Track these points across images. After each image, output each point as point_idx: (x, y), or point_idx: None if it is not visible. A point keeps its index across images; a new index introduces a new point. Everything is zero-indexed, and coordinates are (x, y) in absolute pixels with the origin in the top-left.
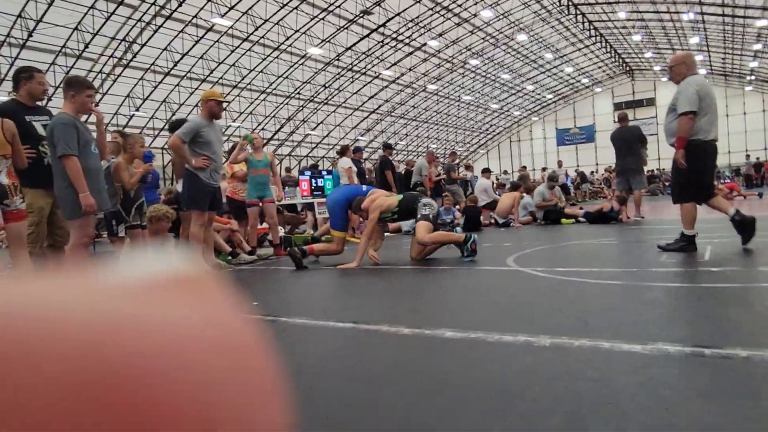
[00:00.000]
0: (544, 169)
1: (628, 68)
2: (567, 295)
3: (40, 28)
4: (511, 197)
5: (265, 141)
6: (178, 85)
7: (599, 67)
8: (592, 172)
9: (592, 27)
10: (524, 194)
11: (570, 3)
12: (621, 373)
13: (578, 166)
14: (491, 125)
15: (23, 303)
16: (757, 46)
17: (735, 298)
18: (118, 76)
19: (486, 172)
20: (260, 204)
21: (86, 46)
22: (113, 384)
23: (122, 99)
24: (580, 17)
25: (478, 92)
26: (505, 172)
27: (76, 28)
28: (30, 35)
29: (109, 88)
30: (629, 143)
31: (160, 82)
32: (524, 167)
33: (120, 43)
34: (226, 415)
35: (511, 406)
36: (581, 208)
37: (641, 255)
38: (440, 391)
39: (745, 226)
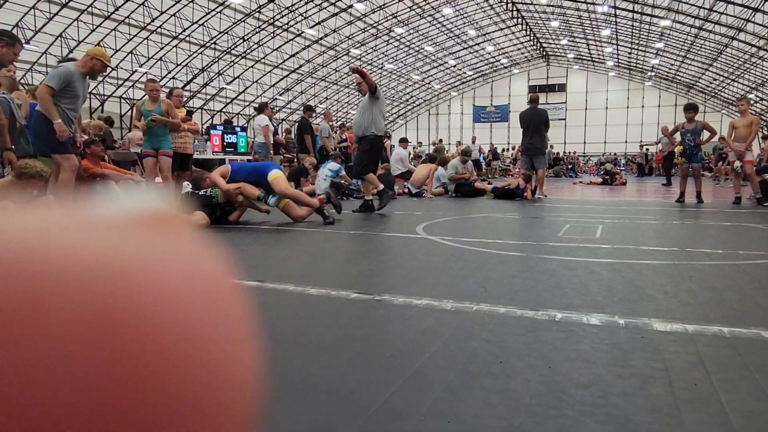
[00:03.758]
0: (458, 144)
1: (544, 53)
2: (471, 263)
3: None
4: (426, 168)
5: (179, 89)
6: (77, 19)
7: (518, 49)
8: (504, 149)
9: (515, 9)
10: (438, 166)
11: None
12: (513, 335)
13: (492, 143)
14: (411, 96)
15: (14, 242)
16: (659, 45)
17: (622, 271)
18: (5, 1)
19: (403, 141)
20: (156, 155)
21: None
22: (108, 321)
23: (10, 29)
24: None
25: (401, 62)
26: (420, 144)
27: None
28: None
29: None
30: (536, 124)
31: (55, 14)
32: (440, 140)
33: None
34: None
35: (409, 363)
36: (490, 183)
37: (539, 230)
38: (342, 347)
39: None
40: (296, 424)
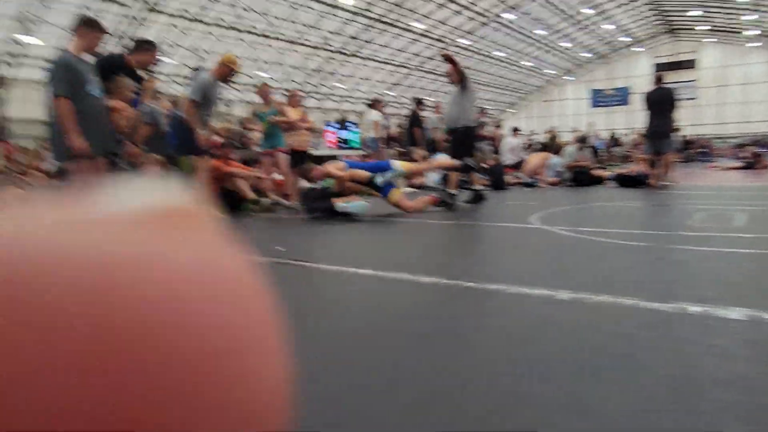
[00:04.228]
0: (574, 130)
1: (670, 27)
2: (590, 254)
3: None
4: (539, 157)
5: (297, 92)
6: (207, 32)
7: (640, 26)
8: (625, 134)
9: None
10: (553, 155)
11: None
12: (641, 328)
13: (611, 129)
14: (523, 83)
15: (20, 240)
16: None
17: (765, 262)
18: (145, 20)
19: (515, 131)
20: (273, 153)
21: None
22: (112, 321)
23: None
24: None
25: (511, 48)
26: (533, 132)
27: None
28: None
29: (140, 34)
30: (662, 105)
31: (189, 29)
32: (554, 128)
33: None
34: (221, 355)
35: (524, 354)
36: (610, 171)
37: (667, 218)
38: (454, 335)
39: None
40: (409, 409)
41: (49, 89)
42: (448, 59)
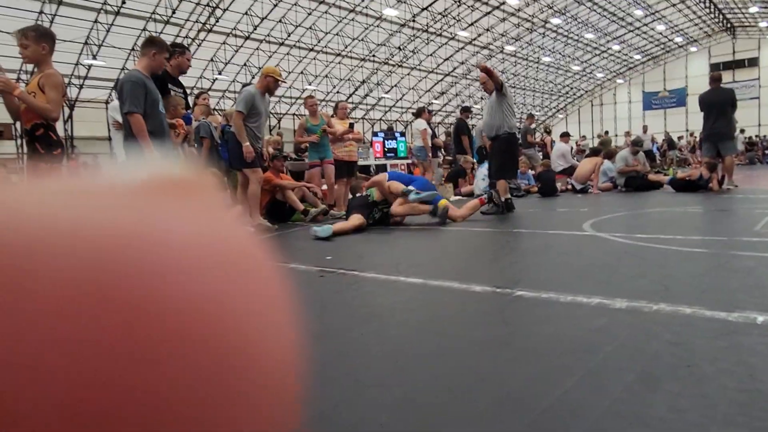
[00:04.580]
0: (627, 134)
1: (729, 25)
2: (647, 261)
3: None
4: (591, 162)
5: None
6: (257, 49)
7: (695, 24)
8: (680, 137)
9: None
10: (605, 160)
11: None
12: (702, 338)
13: (666, 131)
14: (572, 88)
15: (23, 213)
16: None
17: None
18: (202, 40)
19: (564, 136)
20: (321, 164)
21: (173, 12)
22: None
23: (206, 63)
24: None
25: (559, 53)
26: (584, 137)
27: None
28: (123, 2)
29: (194, 53)
30: (721, 106)
31: (240, 47)
32: (606, 132)
33: (204, 9)
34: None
35: (581, 363)
36: (666, 175)
37: (730, 224)
38: (508, 343)
39: None
40: (466, 415)
41: (124, 106)
42: (485, 70)
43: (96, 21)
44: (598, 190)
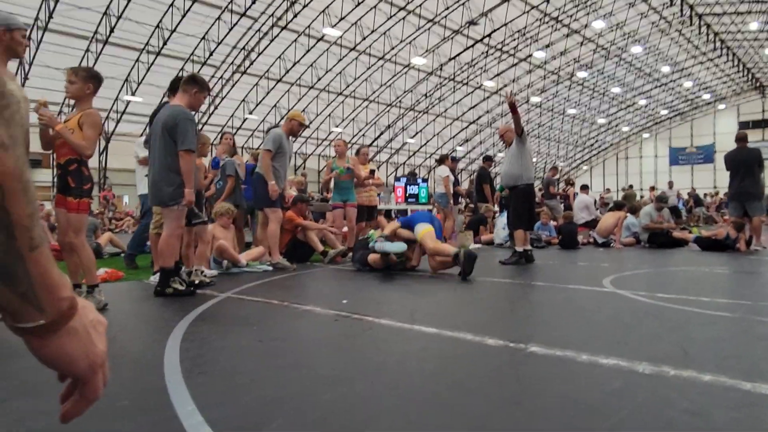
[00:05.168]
0: (652, 189)
1: (758, 84)
2: (668, 322)
3: (174, 37)
4: (614, 216)
5: (366, 147)
6: (288, 91)
7: (724, 83)
8: (705, 194)
9: (717, 39)
10: (628, 214)
11: (693, 13)
12: (720, 408)
13: (693, 188)
14: (597, 140)
15: None
16: None
17: None
18: (236, 81)
19: (585, 188)
20: (344, 207)
21: (211, 54)
22: None
23: (238, 103)
24: (704, 28)
25: (585, 106)
26: (608, 190)
27: (203, 38)
28: (165, 43)
29: (228, 93)
30: (748, 165)
31: (272, 88)
32: (630, 186)
33: (240, 52)
34: None
35: (594, 425)
36: (691, 233)
37: (757, 287)
38: (519, 402)
39: None
40: None
41: (183, 143)
42: (512, 107)
43: (138, 60)
44: (621, 245)
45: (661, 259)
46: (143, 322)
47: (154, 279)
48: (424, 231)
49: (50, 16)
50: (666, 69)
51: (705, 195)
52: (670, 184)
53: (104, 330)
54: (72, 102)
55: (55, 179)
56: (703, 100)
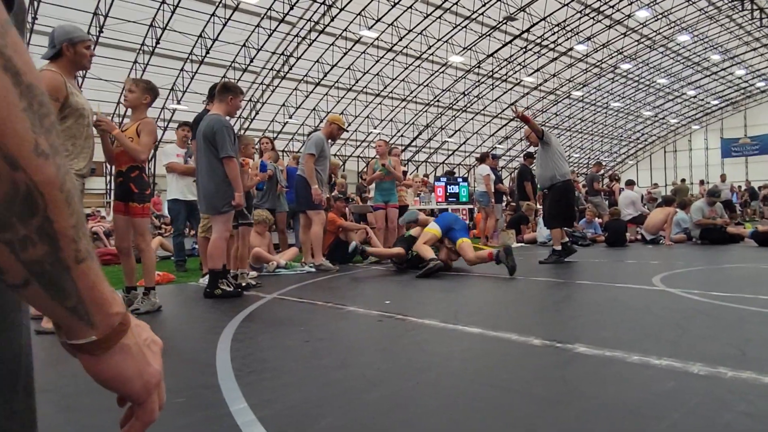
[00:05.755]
0: (702, 183)
1: None
2: (723, 321)
3: (215, 45)
4: (663, 212)
5: (397, 147)
6: (326, 94)
7: None
8: (761, 187)
9: None
10: (678, 209)
11: None
12: None
13: (747, 180)
14: (643, 134)
15: None
16: None
17: None
18: (276, 87)
19: (630, 184)
20: (385, 208)
21: (251, 61)
22: None
23: (278, 108)
24: (757, 13)
25: (630, 98)
26: (655, 185)
27: (243, 45)
28: (207, 52)
29: (268, 98)
30: None
31: (311, 92)
32: (683, 180)
33: (279, 57)
34: None
35: (645, 428)
36: (748, 228)
37: None
38: (567, 403)
39: None
40: None
41: (221, 150)
42: (522, 118)
43: (182, 69)
44: (671, 242)
45: (714, 256)
46: (195, 323)
47: (203, 281)
48: (460, 242)
49: (101, 31)
50: (716, 57)
51: (761, 188)
52: (723, 178)
53: (159, 350)
54: (122, 112)
55: (113, 187)
56: (757, 88)
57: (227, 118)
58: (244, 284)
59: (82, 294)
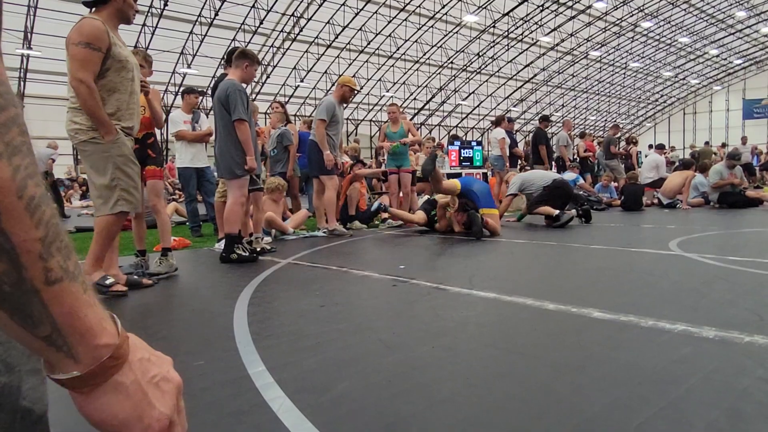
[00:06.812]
0: (723, 146)
1: None
2: (740, 286)
3: (225, 7)
4: (681, 176)
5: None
6: (338, 56)
7: None
8: None
9: None
10: (697, 173)
11: None
12: None
13: None
14: (662, 95)
15: None
16: None
17: None
18: (287, 49)
19: (660, 147)
20: (398, 172)
21: (261, 23)
22: None
23: (289, 71)
24: None
25: (649, 58)
26: (673, 148)
27: (253, 6)
28: (216, 14)
29: (279, 61)
30: None
31: (322, 54)
32: (706, 142)
33: (289, 19)
34: None
35: (662, 394)
36: (766, 192)
37: None
38: (584, 367)
39: None
40: None
41: (234, 113)
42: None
43: (191, 32)
44: (688, 206)
45: (732, 220)
46: (212, 287)
47: (219, 246)
48: (486, 212)
49: None
50: (741, 14)
51: None
52: (744, 140)
53: (175, 389)
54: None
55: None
56: None
57: (243, 84)
58: (258, 249)
59: (57, 321)
